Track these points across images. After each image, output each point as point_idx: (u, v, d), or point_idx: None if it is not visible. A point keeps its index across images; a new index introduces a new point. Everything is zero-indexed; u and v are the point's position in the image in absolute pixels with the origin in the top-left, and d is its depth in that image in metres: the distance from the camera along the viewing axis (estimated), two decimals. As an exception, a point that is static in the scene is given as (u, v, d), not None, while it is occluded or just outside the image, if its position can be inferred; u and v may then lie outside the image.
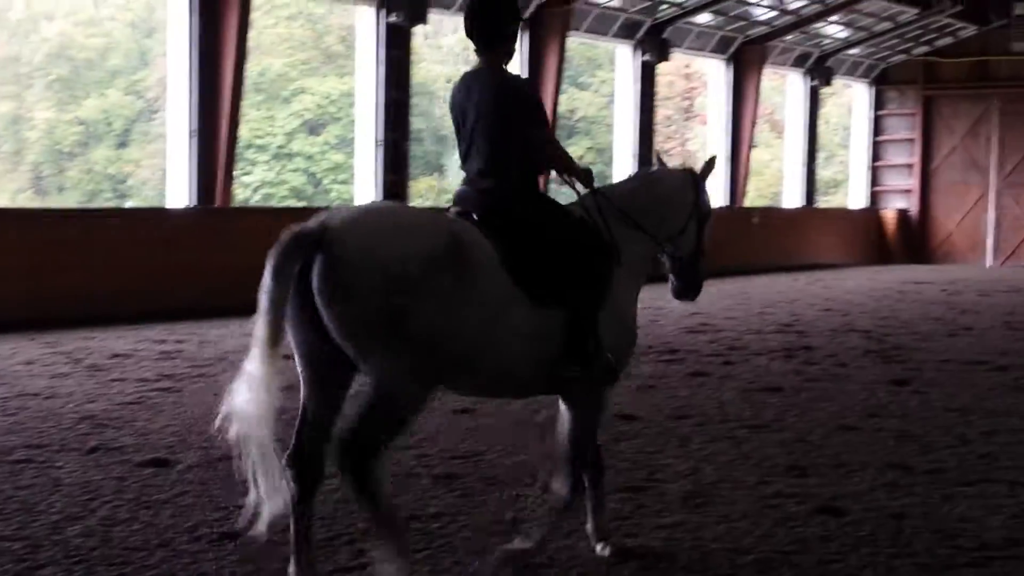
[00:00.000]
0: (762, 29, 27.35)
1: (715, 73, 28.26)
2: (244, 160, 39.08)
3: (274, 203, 38.61)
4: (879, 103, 32.88)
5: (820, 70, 30.16)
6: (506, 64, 5.59)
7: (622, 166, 25.30)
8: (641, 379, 10.93)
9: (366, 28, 19.47)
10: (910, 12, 29.17)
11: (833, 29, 29.73)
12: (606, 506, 5.85)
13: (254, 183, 40.56)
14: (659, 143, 47.42)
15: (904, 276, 25.97)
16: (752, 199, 43.58)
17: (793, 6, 27.15)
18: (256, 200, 39.31)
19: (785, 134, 33.62)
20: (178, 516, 6.29)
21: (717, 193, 27.96)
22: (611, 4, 23.75)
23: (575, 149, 47.56)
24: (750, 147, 27.93)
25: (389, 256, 4.72)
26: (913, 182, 32.48)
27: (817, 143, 31.78)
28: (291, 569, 5.00)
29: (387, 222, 4.90)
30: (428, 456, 7.73)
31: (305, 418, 4.95)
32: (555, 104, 22.28)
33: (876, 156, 33.08)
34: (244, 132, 39.58)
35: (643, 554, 5.72)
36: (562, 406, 5.60)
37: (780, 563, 5.63)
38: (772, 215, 29.61)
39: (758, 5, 26.66)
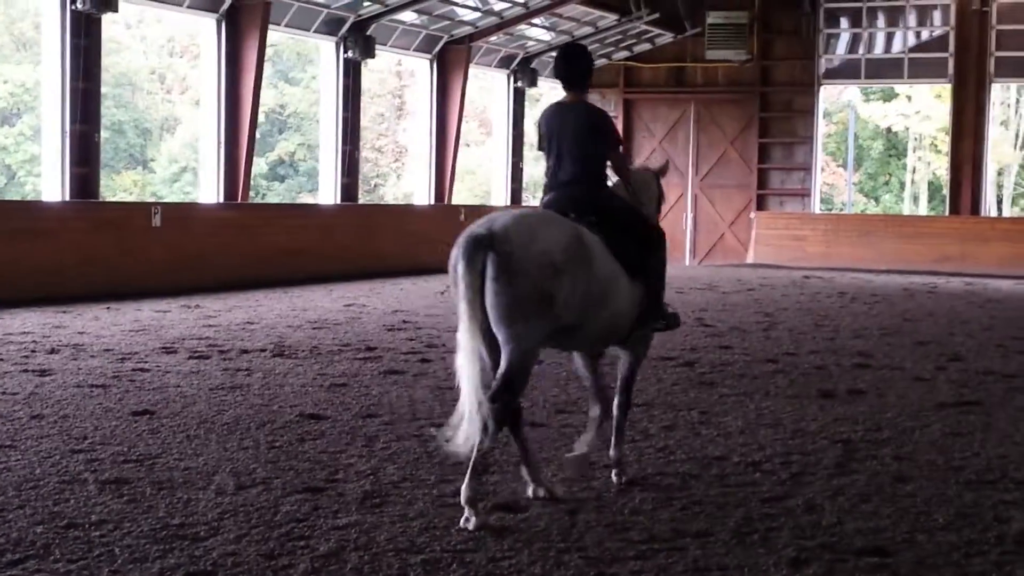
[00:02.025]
0: (466, 29, 27.57)
1: (421, 72, 28.33)
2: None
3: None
4: (582, 105, 33.59)
5: (525, 71, 30.65)
6: (586, 97, 7.36)
7: (329, 163, 25.07)
8: (333, 378, 10.79)
9: (52, 15, 18.59)
10: (610, 18, 29.98)
11: (537, 32, 30.27)
12: (624, 439, 7.47)
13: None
14: (372, 140, 47.40)
15: (605, 274, 26.54)
16: (466, 198, 44.04)
17: (497, 7, 27.48)
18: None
19: (493, 134, 34.01)
20: None
21: (422, 192, 28.07)
22: (313, -1, 23.46)
23: (286, 145, 46.94)
24: (457, 146, 28.10)
25: (539, 250, 6.33)
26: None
27: (523, 143, 32.31)
28: (465, 484, 6.25)
29: (533, 225, 6.50)
30: (99, 460, 7.37)
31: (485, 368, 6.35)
32: (255, 100, 21.81)
33: (580, 157, 33.79)
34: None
35: (313, 557, 5.57)
36: (621, 352, 7.41)
37: (451, 561, 5.58)
38: (482, 213, 29.74)
39: (462, 6, 26.87)
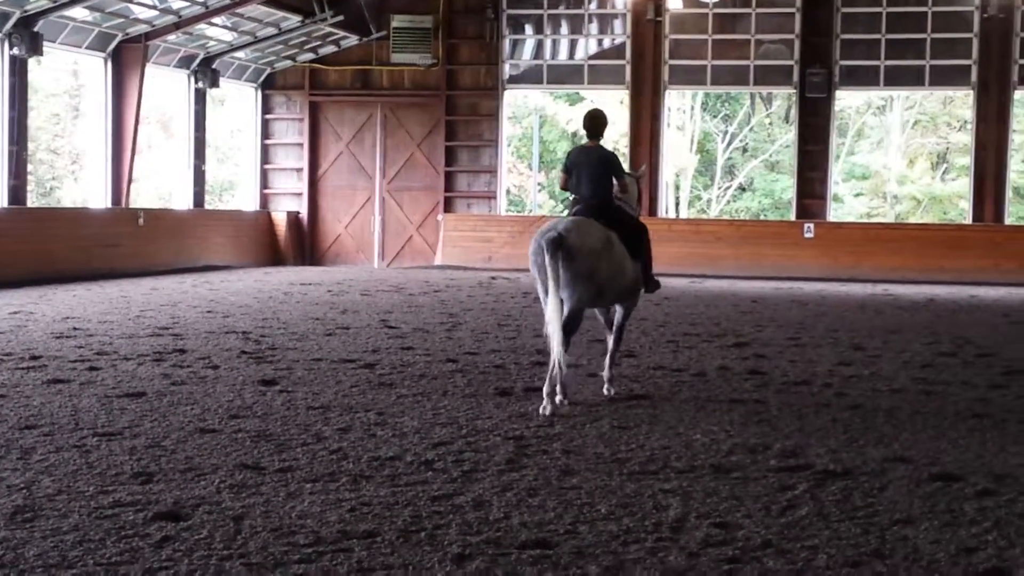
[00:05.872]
0: (143, 28, 26.70)
1: (95, 71, 27.30)
2: None
3: None
4: (267, 107, 33.21)
5: (206, 72, 29.96)
6: (601, 141, 10.85)
7: (-3, 166, 23.85)
8: (-9, 389, 10.22)
9: None
10: (293, 19, 29.66)
11: (218, 32, 29.63)
12: (616, 364, 11.06)
13: None
14: (47, 141, 45.40)
15: (293, 277, 26.30)
16: (150, 201, 42.74)
17: (175, 6, 26.74)
18: None
19: (174, 136, 33.11)
20: None
21: (99, 195, 27.08)
22: (-25, -7, 22.24)
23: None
24: (134, 148, 27.21)
25: (591, 243, 9.81)
26: (303, 185, 33.08)
27: (206, 145, 31.59)
28: (547, 383, 9.80)
29: (584, 228, 9.90)
30: None
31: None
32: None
33: (266, 159, 33.39)
34: None
35: (-50, 579, 5.21)
36: (617, 308, 10.85)
37: (104, 575, 5.31)
38: (162, 217, 29.03)
39: (138, 3, 26.02)
